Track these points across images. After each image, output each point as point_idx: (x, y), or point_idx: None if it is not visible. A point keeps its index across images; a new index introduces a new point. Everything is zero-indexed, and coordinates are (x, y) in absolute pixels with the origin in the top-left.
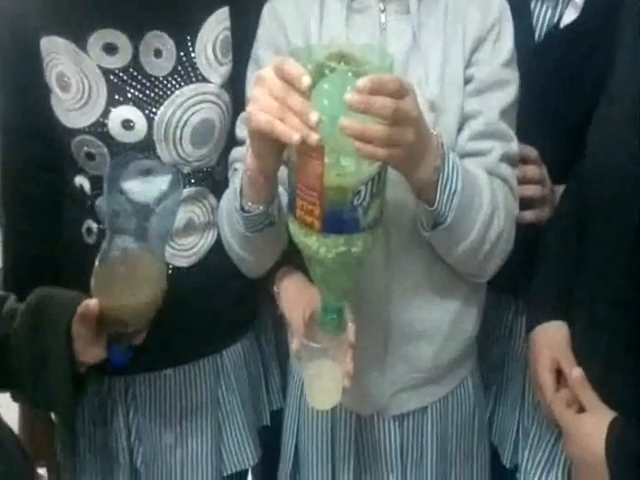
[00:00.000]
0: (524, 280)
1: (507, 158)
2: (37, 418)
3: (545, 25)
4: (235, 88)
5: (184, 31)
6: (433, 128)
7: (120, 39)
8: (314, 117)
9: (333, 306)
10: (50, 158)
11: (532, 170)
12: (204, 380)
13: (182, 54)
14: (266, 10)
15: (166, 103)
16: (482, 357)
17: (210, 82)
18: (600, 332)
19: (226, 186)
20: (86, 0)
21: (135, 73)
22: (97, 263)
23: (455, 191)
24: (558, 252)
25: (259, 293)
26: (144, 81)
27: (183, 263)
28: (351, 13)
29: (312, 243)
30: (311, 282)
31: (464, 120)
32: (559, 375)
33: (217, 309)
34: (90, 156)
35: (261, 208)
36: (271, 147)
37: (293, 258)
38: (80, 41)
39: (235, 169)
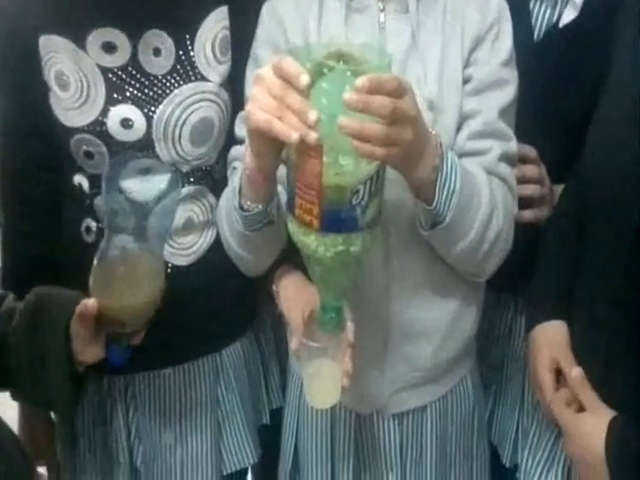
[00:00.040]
0: (523, 279)
1: (506, 157)
2: (37, 417)
3: (544, 25)
4: (234, 87)
5: (183, 30)
6: (432, 127)
7: (119, 38)
8: (313, 116)
9: (332, 305)
10: (49, 157)
11: (531, 169)
12: (203, 379)
13: (181, 53)
14: (265, 9)
15: (165, 102)
16: (482, 356)
17: (209, 81)
18: (600, 331)
19: (225, 185)
20: None
21: (134, 72)
22: (95, 263)
23: (454, 190)
24: (557, 252)
25: (258, 292)
26: (143, 80)
27: (182, 262)
28: (350, 12)
29: (311, 242)
30: (310, 281)
31: (463, 120)
32: (559, 374)
33: (216, 308)
34: (89, 155)
35: (260, 207)
36: (270, 146)
37: (292, 257)
38: (79, 40)
39: (234, 168)
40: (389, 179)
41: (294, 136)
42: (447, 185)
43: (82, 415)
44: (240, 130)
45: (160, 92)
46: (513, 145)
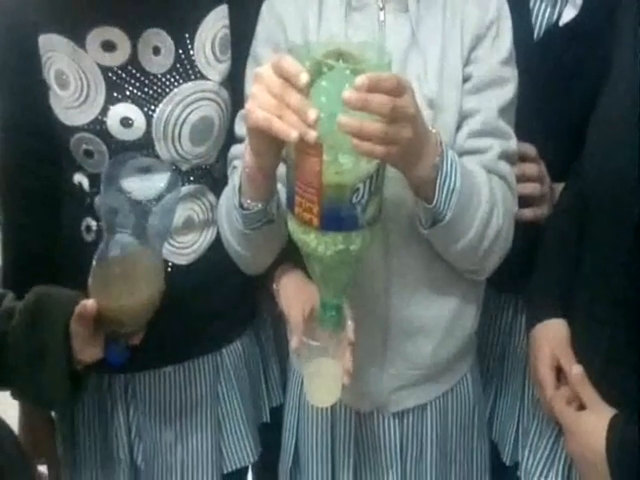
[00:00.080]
0: (524, 278)
1: (506, 156)
2: (37, 415)
3: (544, 23)
4: (234, 85)
5: (183, 29)
6: (432, 126)
7: (118, 37)
8: (312, 114)
9: (332, 303)
10: (49, 152)
11: (531, 168)
12: (204, 377)
13: (181, 52)
14: (265, 7)
15: (165, 101)
16: (482, 354)
17: (209, 80)
18: (600, 330)
19: (225, 184)
20: None
21: (134, 71)
22: (94, 263)
23: (454, 189)
24: (558, 250)
25: (258, 291)
26: (143, 79)
27: (182, 261)
28: (350, 10)
29: (311, 240)
30: (310, 279)
31: (463, 118)
32: (559, 373)
33: (216, 307)
34: (89, 154)
35: (260, 205)
36: (270, 144)
37: (292, 255)
38: (78, 39)
39: (234, 167)
40: (389, 177)
41: (294, 135)
42: (447, 183)
43: (82, 413)
44: (240, 129)
45: (160, 91)
46: (513, 143)
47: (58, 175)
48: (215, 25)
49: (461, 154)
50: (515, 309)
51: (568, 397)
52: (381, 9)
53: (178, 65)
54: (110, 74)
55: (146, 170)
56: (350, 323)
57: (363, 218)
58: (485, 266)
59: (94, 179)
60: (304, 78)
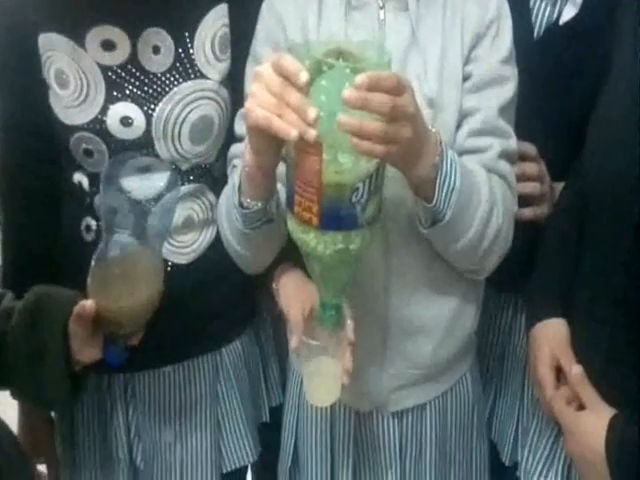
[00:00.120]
0: (523, 278)
1: (506, 155)
2: (37, 414)
3: (544, 22)
4: (234, 84)
5: (182, 28)
6: (432, 125)
7: (118, 36)
8: (312, 113)
9: (331, 302)
10: (49, 152)
11: (531, 167)
12: (203, 377)
13: (180, 51)
14: (265, 6)
15: (164, 100)
16: (482, 354)
17: (208, 79)
18: (600, 329)
19: (225, 183)
20: None
21: (133, 70)
22: (93, 263)
23: (453, 188)
24: (558, 249)
25: (258, 290)
26: (142, 78)
27: (182, 260)
28: (350, 9)
29: (310, 240)
30: (310, 279)
31: (462, 117)
32: (559, 372)
33: (216, 306)
34: (88, 153)
35: (259, 205)
36: (269, 143)
37: (292, 255)
38: (78, 38)
39: (234, 166)
40: (389, 176)
41: (293, 133)
42: (447, 183)
43: (82, 413)
44: (240, 128)
45: (159, 90)
46: (513, 142)
47: (58, 175)
48: (215, 24)
49: (461, 153)
50: (515, 309)
51: (568, 397)
52: (381, 8)
53: (178, 64)
54: (110, 73)
55: (146, 169)
56: (350, 322)
57: (363, 217)
58: (485, 265)
59: (94, 178)
60: (304, 77)
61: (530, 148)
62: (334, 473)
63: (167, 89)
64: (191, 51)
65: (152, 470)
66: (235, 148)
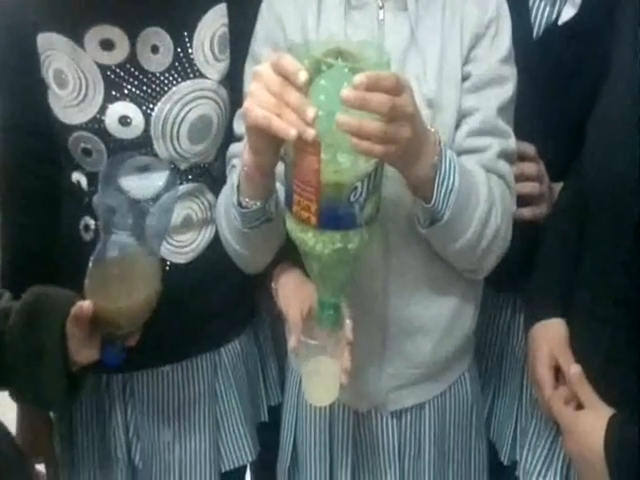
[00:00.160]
0: (523, 277)
1: (505, 155)
2: (35, 414)
3: (543, 22)
4: (233, 84)
5: (181, 27)
6: (431, 125)
7: (117, 35)
8: (311, 113)
9: (330, 302)
10: (48, 151)
11: (530, 167)
12: (202, 376)
13: (179, 50)
14: (264, 6)
15: (163, 99)
16: (480, 354)
17: (207, 78)
18: (600, 329)
19: (224, 182)
20: None
21: (132, 69)
22: (91, 264)
23: (452, 188)
24: (557, 250)
25: (257, 290)
26: (141, 77)
27: (181, 260)
28: (349, 9)
29: (308, 239)
30: (309, 278)
31: (461, 117)
32: (557, 372)
33: (215, 306)
34: (87, 152)
35: (258, 204)
36: (268, 143)
37: (291, 254)
38: (77, 37)
39: (233, 165)
40: (388, 176)
41: (292, 133)
42: (445, 183)
43: (80, 412)
44: (239, 127)
45: (158, 90)
46: (512, 142)
47: (57, 174)
48: (214, 24)
49: (460, 153)
50: (514, 308)
51: (566, 397)
52: (380, 8)
53: (177, 64)
54: (109, 73)
55: (144, 169)
56: (348, 322)
57: (361, 217)
58: (484, 265)
59: (92, 178)
60: (303, 76)
61: (529, 148)
62: (333, 472)
63: (166, 88)
64: (190, 51)
65: (151, 470)
66: (234, 148)
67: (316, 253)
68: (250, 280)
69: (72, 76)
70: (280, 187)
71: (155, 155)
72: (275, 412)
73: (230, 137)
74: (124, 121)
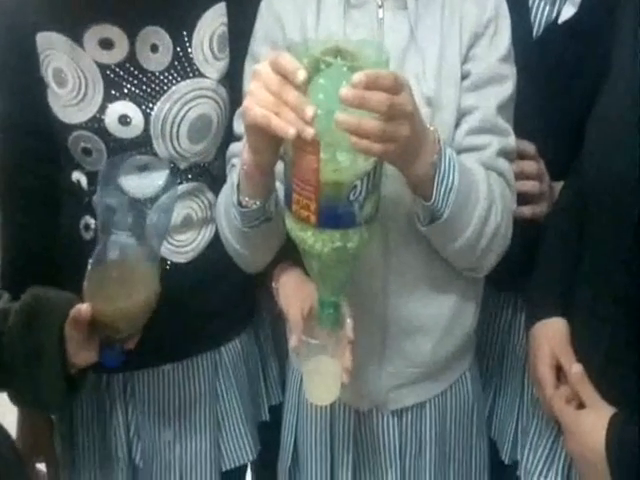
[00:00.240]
0: (523, 276)
1: (504, 153)
2: (36, 413)
3: (543, 21)
4: (232, 83)
5: (181, 26)
6: (430, 124)
7: (116, 34)
8: (309, 111)
9: (330, 301)
10: (48, 151)
11: (530, 165)
12: (202, 376)
13: (179, 49)
14: (263, 5)
15: (163, 99)
16: (481, 353)
17: (207, 77)
18: (601, 328)
19: (224, 182)
20: None
21: (132, 68)
22: (90, 267)
23: (452, 187)
24: (558, 248)
25: (258, 289)
26: (141, 76)
27: (181, 259)
28: (348, 8)
29: (308, 238)
30: (309, 277)
31: (461, 115)
32: (559, 371)
33: (215, 305)
34: (87, 152)
35: (258, 203)
36: (268, 142)
37: (291, 253)
38: (76, 37)
39: (233, 165)
40: (388, 175)
41: (291, 132)
42: (445, 181)
43: (81, 411)
44: (238, 126)
45: (158, 89)
46: (511, 140)
47: (57, 174)
48: (213, 23)
49: (459, 151)
50: (514, 308)
51: (567, 396)
52: (380, 7)
53: (176, 63)
54: (108, 72)
55: (144, 168)
56: (349, 321)
57: (360, 215)
58: (483, 263)
59: (92, 177)
60: (301, 75)
61: (529, 146)
62: (334, 472)
63: (165, 88)
64: (189, 50)
65: (151, 469)
66: (234, 147)
67: (315, 252)
68: (250, 279)
69: (71, 75)
70: (280, 186)
71: (155, 154)
72: (276, 411)
73: (230, 136)
74: (124, 120)
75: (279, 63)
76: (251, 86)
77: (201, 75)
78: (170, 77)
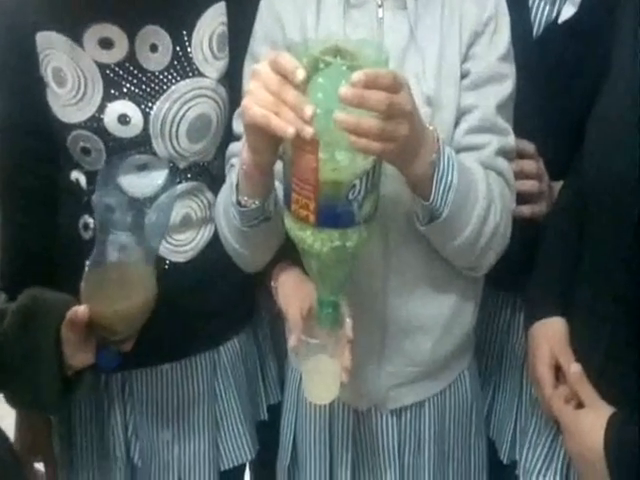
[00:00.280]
0: (522, 276)
1: (503, 152)
2: (35, 414)
3: (543, 20)
4: (232, 83)
5: (180, 26)
6: (430, 123)
7: (116, 34)
8: (308, 111)
9: (329, 300)
10: (47, 151)
11: (529, 164)
12: (201, 375)
13: (178, 49)
14: (263, 5)
15: (162, 98)
16: (480, 352)
17: (206, 77)
18: (601, 327)
19: (223, 181)
20: None
21: (131, 68)
22: (87, 269)
23: (451, 186)
24: (557, 248)
25: (256, 288)
26: (140, 76)
27: (180, 259)
28: (348, 8)
29: (307, 237)
30: (308, 277)
31: (460, 114)
32: (557, 371)
33: (214, 304)
34: (86, 151)
35: (257, 203)
36: (267, 141)
37: (290, 253)
38: (76, 36)
39: (232, 164)
40: (388, 175)
41: (290, 131)
42: (444, 180)
43: (79, 411)
44: (238, 126)
45: (157, 88)
46: (511, 140)
47: (56, 173)
48: (213, 22)
49: (459, 150)
50: (513, 307)
51: (566, 395)
52: (379, 6)
53: (175, 62)
54: (107, 71)
55: (143, 167)
56: (349, 321)
57: (359, 215)
58: (483, 263)
59: (91, 176)
60: (300, 74)
61: (528, 146)
62: (333, 471)
63: (165, 87)
64: (189, 49)
65: (150, 469)
66: (233, 146)
67: (315, 251)
68: (249, 279)
69: (71, 75)
70: (279, 185)
71: (154, 154)
72: (274, 411)
73: (229, 136)
74: (123, 120)
75: (278, 63)
76: (250, 86)
77: (201, 75)
78: (170, 76)
